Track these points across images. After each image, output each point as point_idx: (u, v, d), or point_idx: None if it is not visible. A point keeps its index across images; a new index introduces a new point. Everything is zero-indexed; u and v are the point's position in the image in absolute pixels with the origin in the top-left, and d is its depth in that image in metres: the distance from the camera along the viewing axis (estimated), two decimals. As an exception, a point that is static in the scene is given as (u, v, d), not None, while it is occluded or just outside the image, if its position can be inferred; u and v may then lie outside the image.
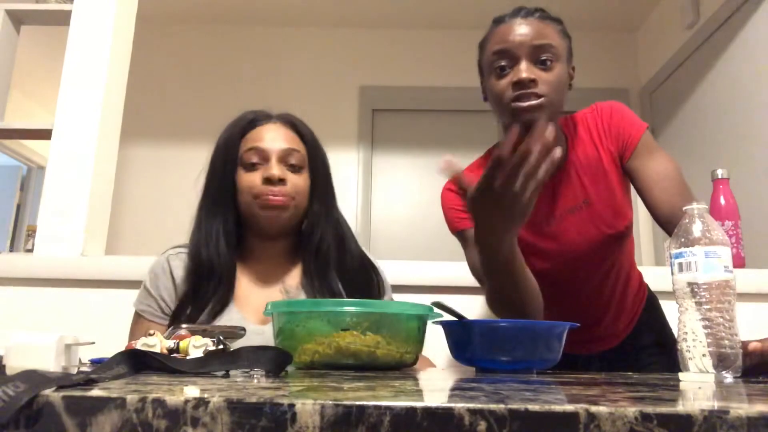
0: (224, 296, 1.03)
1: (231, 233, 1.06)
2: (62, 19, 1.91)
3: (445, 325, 0.84)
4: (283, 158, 1.06)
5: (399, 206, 3.11)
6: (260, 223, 1.06)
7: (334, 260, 1.09)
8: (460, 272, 1.70)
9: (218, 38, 3.30)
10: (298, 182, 1.07)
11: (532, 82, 1.00)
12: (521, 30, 1.03)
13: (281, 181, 1.04)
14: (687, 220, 0.77)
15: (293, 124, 1.12)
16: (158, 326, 1.04)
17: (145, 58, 2.82)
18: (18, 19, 2.01)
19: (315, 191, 1.11)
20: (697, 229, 0.75)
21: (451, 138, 3.18)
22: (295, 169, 1.07)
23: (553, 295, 1.14)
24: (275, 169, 1.04)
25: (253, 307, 1.05)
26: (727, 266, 0.74)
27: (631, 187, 1.14)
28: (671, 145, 2.76)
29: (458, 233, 1.17)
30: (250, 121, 1.10)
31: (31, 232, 3.84)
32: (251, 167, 1.05)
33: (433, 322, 0.86)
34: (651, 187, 1.05)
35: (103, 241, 1.80)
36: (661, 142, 2.80)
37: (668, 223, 1.01)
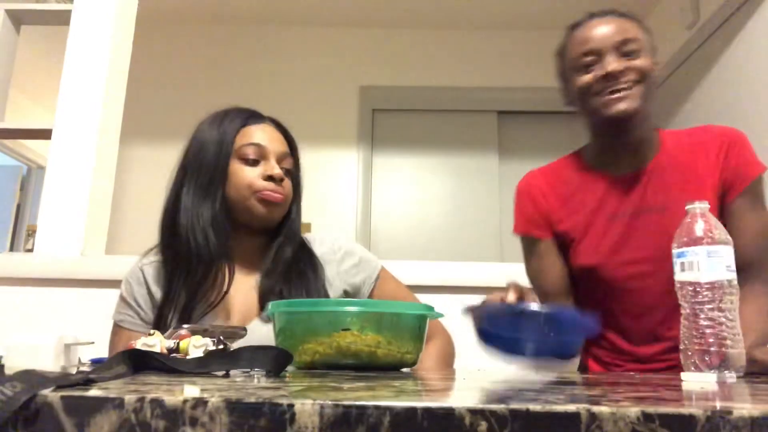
0: (220, 289, 1.00)
1: (222, 222, 1.04)
2: (62, 19, 1.91)
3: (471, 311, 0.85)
4: (280, 160, 1.08)
5: (399, 206, 3.11)
6: (252, 217, 1.06)
7: (291, 264, 1.07)
8: (460, 272, 1.70)
9: (218, 38, 3.30)
10: (289, 186, 1.09)
11: (621, 73, 1.01)
12: (602, 27, 1.05)
13: (281, 181, 1.06)
14: (689, 220, 0.77)
15: (284, 130, 1.14)
16: (138, 335, 0.99)
17: (145, 58, 2.81)
18: (18, 19, 2.01)
19: (294, 197, 1.12)
20: (699, 228, 0.75)
21: (451, 138, 3.18)
22: (287, 173, 1.09)
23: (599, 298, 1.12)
24: (278, 169, 1.06)
25: (235, 308, 1.03)
26: (729, 266, 0.73)
27: None
28: (672, 144, 2.76)
29: (524, 237, 1.19)
30: (246, 118, 1.10)
31: (31, 232, 3.84)
32: (251, 162, 1.06)
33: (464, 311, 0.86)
34: (741, 234, 0.99)
35: (103, 241, 1.80)
36: (662, 141, 2.79)
37: (747, 266, 0.98)
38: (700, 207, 0.77)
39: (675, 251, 0.77)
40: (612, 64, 1.02)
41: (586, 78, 1.04)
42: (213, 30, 3.30)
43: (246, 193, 1.04)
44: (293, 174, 1.12)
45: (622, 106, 1.01)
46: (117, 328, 1.06)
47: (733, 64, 2.34)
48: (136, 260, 1.10)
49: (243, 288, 1.05)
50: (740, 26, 2.28)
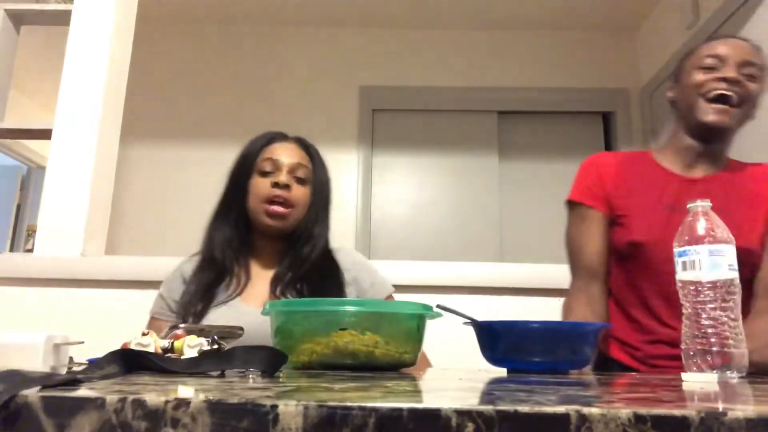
0: (234, 290, 1.17)
1: (238, 235, 1.23)
2: (62, 19, 1.91)
3: (476, 326, 0.84)
4: (293, 170, 1.22)
5: (399, 206, 3.10)
6: (264, 227, 1.22)
7: (310, 264, 1.21)
8: (460, 272, 1.69)
9: (218, 38, 3.29)
10: (302, 192, 1.23)
11: (735, 82, 1.11)
12: (735, 46, 1.16)
13: (287, 186, 1.19)
14: (691, 218, 0.76)
15: (305, 145, 1.30)
16: (169, 323, 1.13)
17: (145, 58, 2.81)
18: (18, 19, 2.01)
19: (313, 202, 1.26)
20: (701, 227, 0.74)
21: (451, 138, 3.17)
22: (300, 181, 1.23)
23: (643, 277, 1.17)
24: (284, 177, 1.20)
25: (252, 292, 1.19)
26: (732, 265, 0.72)
27: None
28: (674, 144, 2.74)
29: (574, 204, 1.24)
30: (270, 139, 1.27)
31: (31, 232, 3.84)
32: (265, 174, 1.21)
33: (464, 323, 0.85)
34: None
35: (103, 241, 1.80)
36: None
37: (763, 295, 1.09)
38: (702, 205, 0.76)
39: (676, 250, 0.76)
40: (731, 72, 1.12)
41: (703, 76, 1.14)
42: (213, 30, 3.29)
43: (258, 204, 1.20)
44: (312, 182, 1.25)
45: (719, 118, 1.12)
46: (150, 320, 1.20)
47: (735, 62, 2.33)
48: (179, 263, 1.26)
49: (262, 282, 1.20)
50: (740, 26, 2.26)
